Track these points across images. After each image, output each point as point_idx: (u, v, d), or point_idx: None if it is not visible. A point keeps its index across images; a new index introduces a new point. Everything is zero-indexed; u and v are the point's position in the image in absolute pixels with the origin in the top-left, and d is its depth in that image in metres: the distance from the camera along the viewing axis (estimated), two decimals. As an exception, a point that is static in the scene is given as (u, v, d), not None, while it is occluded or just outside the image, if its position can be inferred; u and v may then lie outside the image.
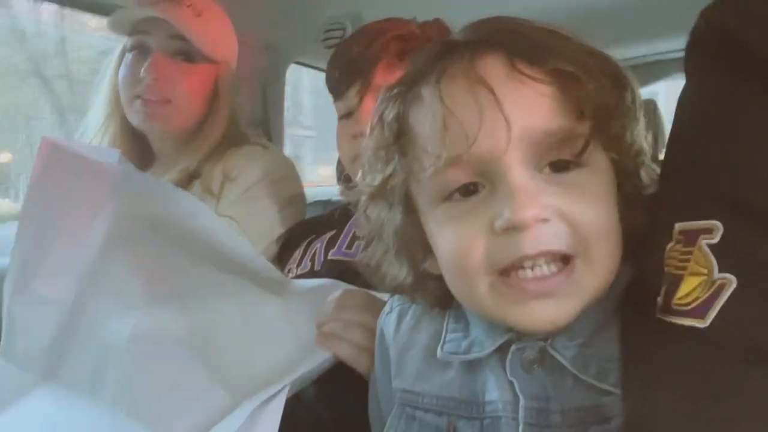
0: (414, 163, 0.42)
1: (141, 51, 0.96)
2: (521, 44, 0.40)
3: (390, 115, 0.44)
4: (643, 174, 0.44)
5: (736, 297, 0.32)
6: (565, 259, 0.39)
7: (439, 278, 0.45)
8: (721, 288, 0.33)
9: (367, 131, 0.79)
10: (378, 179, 0.45)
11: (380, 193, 0.46)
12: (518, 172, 0.38)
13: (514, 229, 0.38)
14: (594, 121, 0.39)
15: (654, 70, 1.27)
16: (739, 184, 0.34)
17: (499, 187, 0.39)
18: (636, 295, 0.40)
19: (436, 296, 0.48)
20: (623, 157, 0.42)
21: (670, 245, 0.36)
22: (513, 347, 0.43)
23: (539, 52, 0.39)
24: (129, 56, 0.97)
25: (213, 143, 0.98)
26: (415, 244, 0.46)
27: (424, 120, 0.41)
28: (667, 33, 1.21)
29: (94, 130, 1.02)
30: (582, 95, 0.39)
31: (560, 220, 0.38)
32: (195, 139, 0.99)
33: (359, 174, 0.48)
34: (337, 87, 0.85)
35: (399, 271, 0.47)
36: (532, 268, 0.38)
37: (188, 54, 0.96)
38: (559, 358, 0.41)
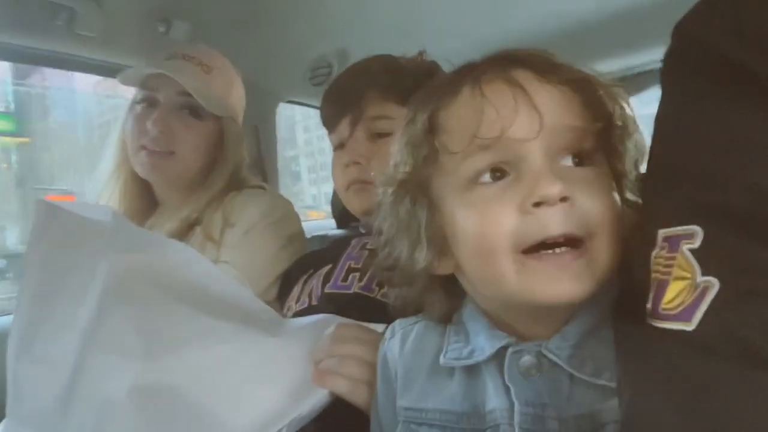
0: (442, 156, 0.47)
1: (149, 104, 1.00)
2: (539, 63, 0.46)
3: (422, 114, 0.48)
4: (630, 185, 0.48)
5: (719, 299, 0.33)
6: (576, 244, 0.43)
7: (447, 285, 0.50)
8: (705, 291, 0.34)
9: (359, 159, 0.85)
10: (409, 167, 0.49)
11: (410, 183, 0.49)
12: (545, 158, 0.44)
13: (543, 205, 0.42)
14: (609, 122, 0.46)
15: (629, 84, 1.29)
16: (716, 190, 0.35)
17: (525, 172, 0.44)
18: (626, 302, 0.41)
19: (441, 305, 0.52)
20: (619, 164, 0.47)
21: (654, 251, 0.38)
22: (510, 351, 0.46)
23: (556, 68, 0.46)
24: (137, 108, 1.01)
25: (215, 192, 1.01)
26: (433, 240, 0.48)
27: (460, 111, 0.46)
28: (638, 47, 1.24)
29: (105, 178, 1.06)
30: (596, 100, 0.46)
31: (579, 204, 0.43)
32: (198, 189, 1.02)
33: (385, 170, 0.52)
34: (330, 120, 0.89)
35: (426, 263, 0.48)
36: (552, 249, 0.43)
37: (194, 109, 1.00)
38: (554, 358, 0.44)
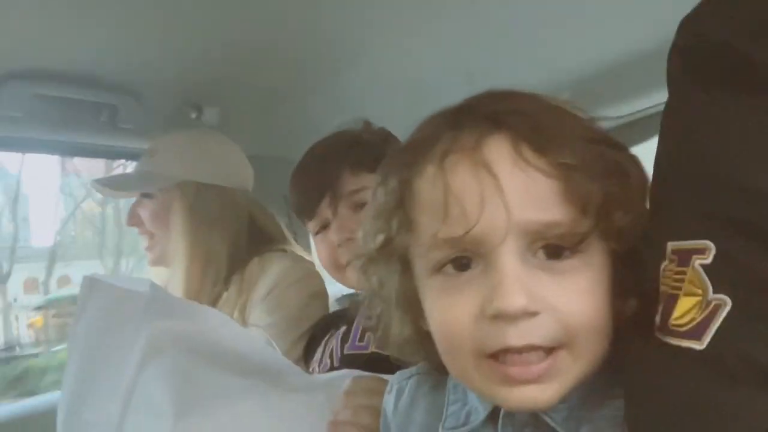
0: (413, 227, 0.43)
1: None
2: (528, 128, 0.40)
3: (393, 180, 0.44)
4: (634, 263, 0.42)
5: (731, 318, 0.32)
6: (549, 350, 0.39)
7: None
8: (717, 309, 0.33)
9: (351, 235, 0.84)
10: (381, 239, 0.46)
11: (380, 256, 0.46)
12: (512, 260, 0.38)
13: (501, 318, 0.38)
14: (598, 216, 0.39)
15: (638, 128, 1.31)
16: (730, 203, 0.33)
17: (490, 270, 0.39)
18: (635, 316, 0.40)
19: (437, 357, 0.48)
20: (623, 246, 0.41)
21: (663, 264, 0.36)
22: (502, 411, 0.44)
23: (545, 139, 0.39)
24: None
25: (213, 260, 1.06)
26: (414, 303, 0.46)
27: (426, 193, 0.42)
28: (647, 91, 1.26)
29: None
30: (585, 191, 0.39)
31: (549, 312, 0.38)
32: None
33: (360, 236, 0.49)
34: (306, 206, 0.92)
35: (401, 328, 0.48)
36: (519, 354, 0.39)
37: (145, 193, 1.11)
38: (549, 421, 0.42)
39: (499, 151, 0.39)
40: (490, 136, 0.40)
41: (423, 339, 0.47)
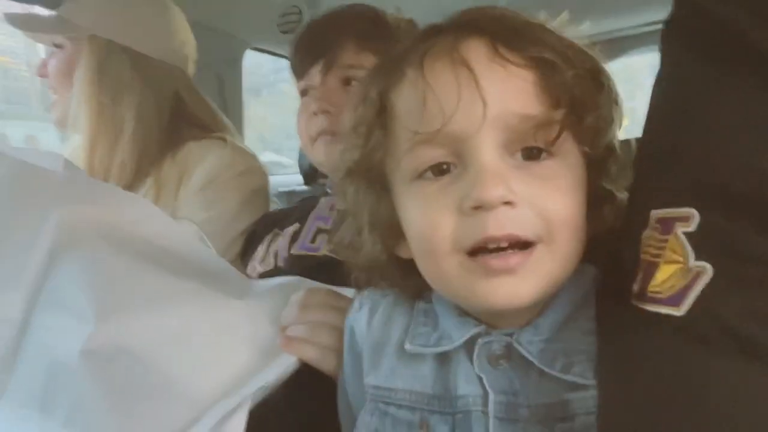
0: (392, 140, 0.44)
1: None
2: (504, 30, 0.41)
3: (373, 91, 0.45)
4: (613, 170, 0.44)
5: (712, 286, 0.32)
6: (526, 245, 0.40)
7: (410, 265, 0.46)
8: (697, 276, 0.33)
9: (329, 108, 0.80)
10: (357, 155, 0.46)
11: (358, 170, 0.47)
12: (489, 154, 0.39)
13: (481, 208, 0.38)
14: (569, 110, 0.40)
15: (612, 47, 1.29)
16: (716, 172, 0.33)
17: (469, 167, 0.40)
18: (611, 283, 0.40)
19: (407, 284, 0.49)
20: (595, 150, 0.43)
21: (646, 232, 0.36)
22: (480, 341, 0.44)
23: (520, 38, 0.41)
24: None
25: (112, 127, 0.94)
26: (389, 225, 0.46)
27: (406, 96, 0.43)
28: (625, 9, 1.22)
29: None
30: (559, 83, 0.40)
31: (526, 205, 0.39)
32: None
33: (338, 150, 0.49)
34: (299, 66, 0.84)
35: (372, 249, 0.48)
36: (497, 251, 0.39)
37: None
38: (524, 352, 0.42)
39: (476, 49, 0.40)
40: (469, 38, 0.41)
41: (393, 264, 0.48)
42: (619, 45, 1.33)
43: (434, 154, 0.41)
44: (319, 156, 0.83)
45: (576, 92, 0.40)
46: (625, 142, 0.44)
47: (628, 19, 1.33)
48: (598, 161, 0.43)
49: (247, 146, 1.04)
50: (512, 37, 0.40)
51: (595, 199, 0.43)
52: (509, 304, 0.41)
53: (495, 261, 0.39)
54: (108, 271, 0.55)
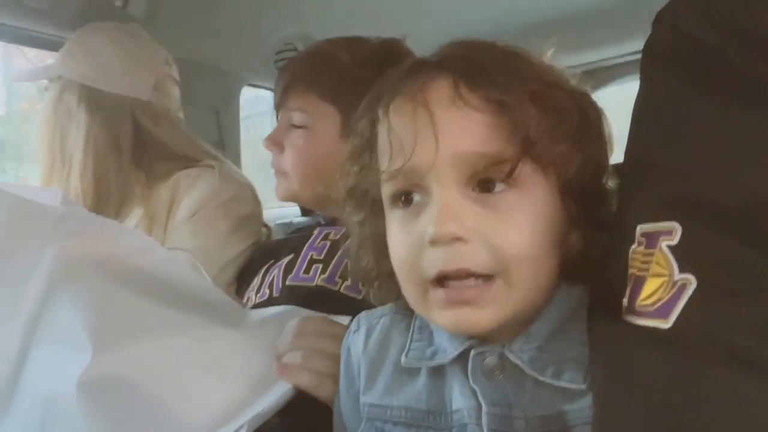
0: (376, 171, 0.46)
1: None
2: (468, 69, 0.43)
3: (362, 122, 0.48)
4: (607, 188, 0.46)
5: (697, 297, 0.32)
6: (487, 278, 0.41)
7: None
8: (682, 289, 0.33)
9: (271, 147, 0.85)
10: (351, 181, 0.50)
11: (352, 195, 0.50)
12: (443, 190, 0.42)
13: (437, 243, 0.41)
14: (527, 145, 0.41)
15: (600, 76, 1.31)
16: (696, 186, 0.34)
17: (430, 201, 0.42)
18: (602, 298, 0.40)
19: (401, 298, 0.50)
20: (568, 178, 0.43)
21: (633, 247, 0.37)
22: (472, 353, 0.45)
23: (484, 78, 0.42)
24: None
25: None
26: (381, 244, 0.48)
27: (380, 134, 0.46)
28: (613, 39, 1.25)
29: None
30: (516, 121, 0.41)
31: (479, 240, 0.41)
32: None
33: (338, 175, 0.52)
34: (275, 101, 0.88)
35: (369, 265, 0.51)
36: (457, 281, 0.41)
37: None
38: (516, 361, 0.43)
39: (438, 91, 0.43)
40: (435, 79, 0.43)
41: (388, 278, 0.49)
42: (612, 73, 1.36)
43: (399, 186, 0.44)
44: (279, 194, 0.90)
45: (538, 128, 0.42)
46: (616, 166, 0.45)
47: (621, 47, 1.36)
48: (576, 187, 0.44)
49: (241, 174, 1.05)
50: (473, 75, 0.42)
51: (575, 224, 0.44)
52: (470, 331, 0.43)
53: (451, 293, 0.41)
54: (104, 302, 0.55)
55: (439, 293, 0.42)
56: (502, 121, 0.41)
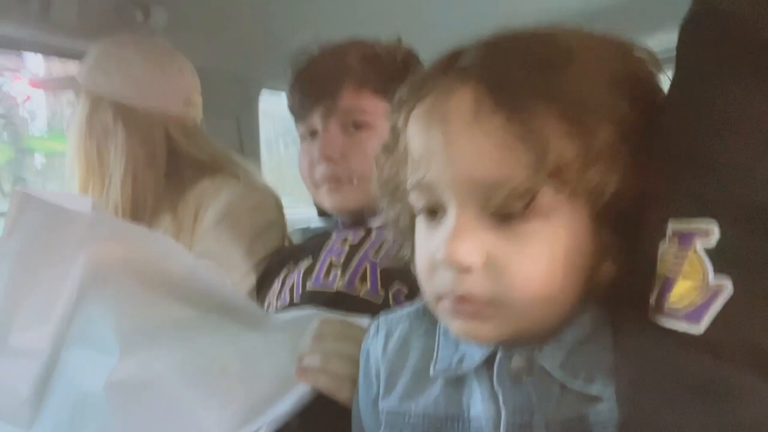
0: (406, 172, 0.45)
1: None
2: (494, 83, 0.38)
3: (395, 120, 0.46)
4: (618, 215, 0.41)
5: (732, 302, 0.31)
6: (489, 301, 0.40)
7: None
8: (717, 293, 0.32)
9: (332, 155, 0.81)
10: (384, 175, 0.49)
11: (386, 189, 0.50)
12: (458, 211, 0.40)
13: (445, 266, 0.40)
14: (548, 174, 0.37)
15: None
16: (736, 184, 0.33)
17: (446, 220, 0.41)
18: (627, 295, 0.39)
19: None
20: (603, 208, 0.39)
21: (663, 246, 0.35)
22: (499, 354, 0.44)
23: (506, 95, 0.38)
24: None
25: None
26: (409, 240, 0.48)
27: (407, 138, 0.44)
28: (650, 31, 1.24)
29: None
30: (537, 147, 0.37)
31: (487, 269, 0.39)
32: None
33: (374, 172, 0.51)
34: (300, 109, 0.85)
35: (407, 256, 0.50)
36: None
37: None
38: (546, 366, 0.42)
39: (460, 103, 0.39)
40: (459, 89, 0.40)
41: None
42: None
43: (423, 198, 0.42)
44: (324, 202, 0.85)
45: (566, 152, 0.37)
46: None
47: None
48: (614, 214, 0.39)
49: (265, 182, 1.07)
50: (502, 90, 0.38)
51: (605, 255, 0.40)
52: (477, 340, 0.44)
53: (458, 305, 0.41)
54: (133, 306, 0.58)
55: (446, 303, 0.42)
56: (524, 144, 0.37)
